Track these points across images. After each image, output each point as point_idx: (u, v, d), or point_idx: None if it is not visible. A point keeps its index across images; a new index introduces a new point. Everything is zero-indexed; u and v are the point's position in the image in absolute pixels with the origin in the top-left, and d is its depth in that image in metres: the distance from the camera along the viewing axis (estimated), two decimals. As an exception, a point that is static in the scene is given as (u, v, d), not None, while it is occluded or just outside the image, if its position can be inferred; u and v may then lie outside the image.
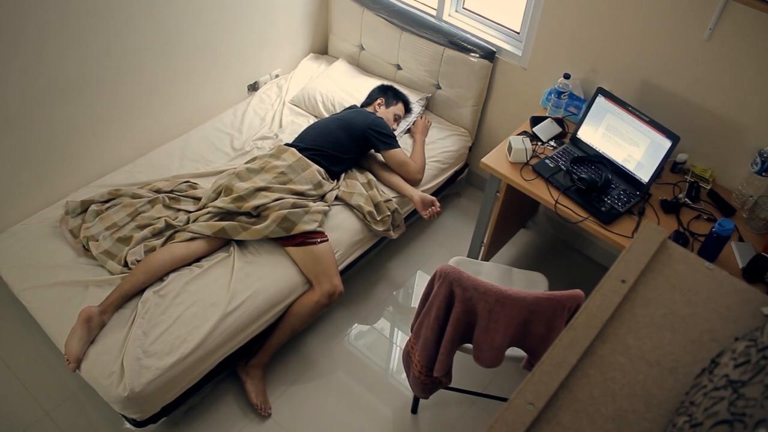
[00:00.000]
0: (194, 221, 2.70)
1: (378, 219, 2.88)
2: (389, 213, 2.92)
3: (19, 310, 2.76)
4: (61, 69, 2.64)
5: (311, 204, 2.74)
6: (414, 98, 3.39)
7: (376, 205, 2.90)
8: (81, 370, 2.29)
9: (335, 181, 2.97)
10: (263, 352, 2.67)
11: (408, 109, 3.32)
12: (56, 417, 2.56)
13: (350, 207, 2.90)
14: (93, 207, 2.75)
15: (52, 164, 2.84)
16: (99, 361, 2.27)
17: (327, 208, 2.80)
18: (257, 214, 2.69)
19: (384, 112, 3.18)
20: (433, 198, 2.99)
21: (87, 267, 2.59)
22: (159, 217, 2.73)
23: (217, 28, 3.17)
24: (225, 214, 2.69)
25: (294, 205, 2.69)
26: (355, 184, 2.95)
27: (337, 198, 2.92)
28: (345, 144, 2.96)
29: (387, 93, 3.27)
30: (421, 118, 3.38)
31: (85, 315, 2.30)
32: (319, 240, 2.68)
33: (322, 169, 2.87)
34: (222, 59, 3.32)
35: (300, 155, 2.85)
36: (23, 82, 2.55)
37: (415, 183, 3.06)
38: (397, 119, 3.23)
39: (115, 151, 3.07)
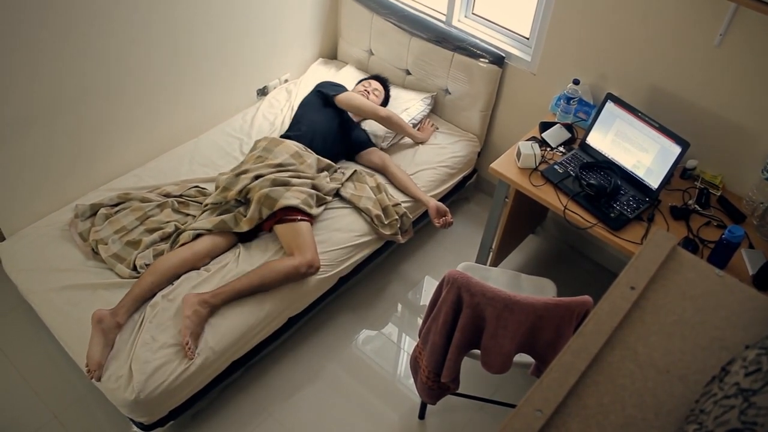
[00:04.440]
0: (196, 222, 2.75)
1: (386, 223, 2.89)
2: (397, 217, 2.92)
3: (28, 313, 2.78)
4: (72, 74, 2.66)
5: (293, 180, 2.77)
6: (419, 97, 3.40)
7: (384, 209, 2.91)
8: (101, 378, 2.27)
9: (333, 166, 3.02)
10: (221, 292, 2.44)
11: (385, 86, 3.43)
12: (64, 420, 2.56)
13: (358, 210, 2.90)
14: (102, 210, 2.76)
15: (62, 168, 2.86)
16: (107, 364, 2.28)
17: (312, 191, 2.81)
18: (246, 201, 2.74)
19: (352, 89, 3.36)
20: (446, 208, 3.03)
21: (96, 270, 2.60)
22: (168, 222, 2.75)
23: (227, 33, 3.19)
24: (223, 210, 2.75)
25: (274, 183, 2.73)
26: (364, 188, 2.95)
27: (345, 200, 2.94)
28: (308, 115, 3.12)
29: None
30: (428, 122, 3.39)
31: (96, 317, 2.31)
32: (299, 218, 2.69)
33: (299, 144, 2.95)
34: (232, 64, 3.33)
35: (272, 137, 2.97)
36: (34, 86, 2.57)
37: (378, 118, 3.14)
38: (368, 88, 3.33)
39: (125, 155, 3.09)
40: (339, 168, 3.08)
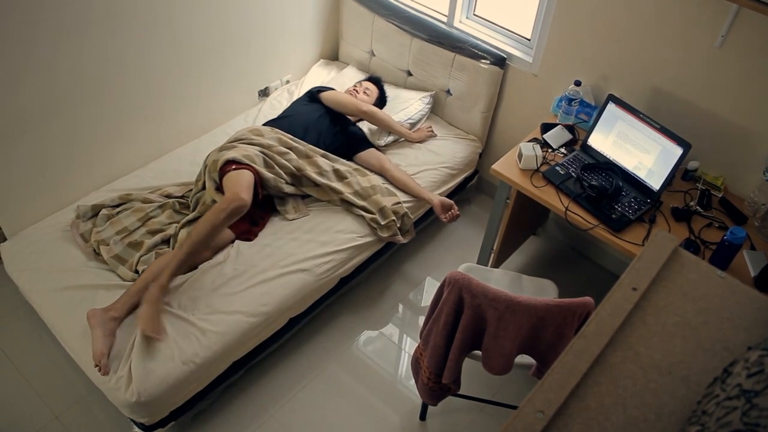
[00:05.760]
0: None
1: (383, 224, 2.88)
2: (394, 218, 2.90)
3: (30, 313, 2.78)
4: (74, 74, 2.66)
5: (239, 144, 2.81)
6: (417, 96, 3.41)
7: (381, 210, 2.89)
8: (109, 369, 2.26)
9: (301, 142, 2.97)
10: (163, 271, 2.42)
11: (379, 86, 3.42)
12: (65, 420, 2.56)
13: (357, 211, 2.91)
14: (104, 211, 2.77)
15: (64, 168, 2.86)
16: (111, 359, 2.28)
17: (258, 152, 2.80)
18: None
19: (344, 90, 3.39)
20: (451, 201, 3.01)
21: (97, 271, 2.61)
22: (169, 223, 2.75)
23: (228, 34, 3.19)
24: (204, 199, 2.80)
25: (221, 149, 2.79)
26: (361, 191, 2.94)
27: (343, 202, 2.93)
28: (292, 107, 3.18)
29: None
30: (427, 126, 3.38)
31: (89, 315, 2.33)
32: (234, 167, 2.68)
33: (266, 126, 3.00)
34: (233, 65, 3.34)
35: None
36: (36, 87, 2.57)
37: (361, 113, 3.14)
38: (358, 88, 3.35)
39: (127, 156, 3.09)
40: (324, 155, 3.01)
